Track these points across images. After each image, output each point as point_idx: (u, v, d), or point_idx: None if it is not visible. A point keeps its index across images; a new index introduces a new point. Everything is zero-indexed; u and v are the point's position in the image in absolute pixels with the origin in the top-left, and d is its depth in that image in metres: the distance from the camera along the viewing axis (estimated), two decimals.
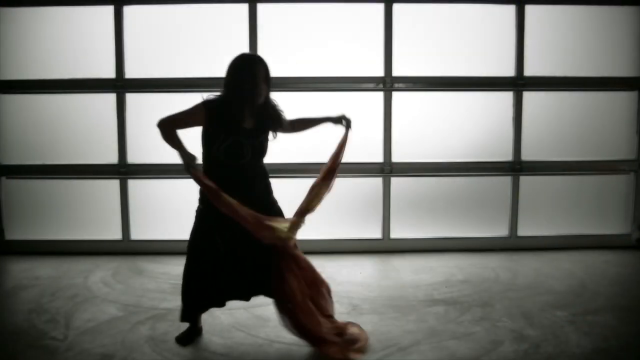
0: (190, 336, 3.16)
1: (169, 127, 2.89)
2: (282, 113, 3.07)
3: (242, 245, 2.96)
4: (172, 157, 4.91)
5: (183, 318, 3.13)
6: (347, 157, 4.71)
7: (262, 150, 3.03)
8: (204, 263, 3.00)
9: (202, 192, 3.00)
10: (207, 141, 2.94)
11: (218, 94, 2.96)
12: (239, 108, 2.90)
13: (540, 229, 4.99)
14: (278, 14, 4.74)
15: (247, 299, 3.12)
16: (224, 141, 2.89)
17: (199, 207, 3.06)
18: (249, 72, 2.88)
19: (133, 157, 4.82)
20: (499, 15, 4.81)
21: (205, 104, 2.92)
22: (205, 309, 3.18)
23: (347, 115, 3.18)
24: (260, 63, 2.92)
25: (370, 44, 4.77)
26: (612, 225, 5.04)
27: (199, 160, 2.95)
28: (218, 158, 2.92)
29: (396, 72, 4.78)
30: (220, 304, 3.12)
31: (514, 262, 4.60)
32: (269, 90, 2.97)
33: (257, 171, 3.04)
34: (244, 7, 4.69)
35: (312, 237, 4.38)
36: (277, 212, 3.07)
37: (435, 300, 3.72)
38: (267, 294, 3.08)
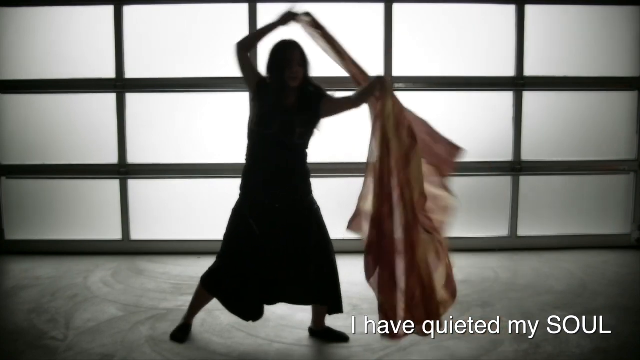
0: (185, 332, 3.16)
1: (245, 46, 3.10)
2: (324, 91, 3.09)
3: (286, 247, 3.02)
4: (172, 157, 4.90)
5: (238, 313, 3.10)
6: (347, 158, 4.68)
7: (308, 133, 3.02)
8: (242, 255, 3.00)
9: (244, 187, 3.02)
10: (257, 117, 2.96)
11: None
12: (279, 89, 2.95)
13: (540, 229, 4.98)
14: (278, 13, 4.72)
15: (296, 302, 3.15)
16: (274, 117, 2.93)
17: (237, 206, 3.03)
18: (283, 55, 2.96)
19: (133, 157, 4.81)
20: (499, 15, 4.81)
21: (260, 77, 3.02)
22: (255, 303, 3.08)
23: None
24: (295, 46, 2.99)
25: (370, 44, 4.76)
26: (612, 225, 5.03)
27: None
28: (268, 135, 2.93)
29: (396, 72, 4.78)
30: (269, 301, 3.10)
31: (514, 262, 4.60)
32: (306, 72, 3.01)
33: (299, 168, 3.04)
34: (244, 7, 4.69)
35: None
36: (316, 214, 3.14)
37: None
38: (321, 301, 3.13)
